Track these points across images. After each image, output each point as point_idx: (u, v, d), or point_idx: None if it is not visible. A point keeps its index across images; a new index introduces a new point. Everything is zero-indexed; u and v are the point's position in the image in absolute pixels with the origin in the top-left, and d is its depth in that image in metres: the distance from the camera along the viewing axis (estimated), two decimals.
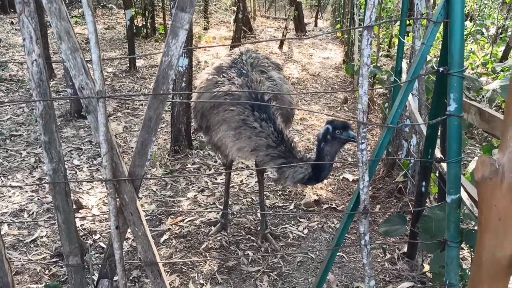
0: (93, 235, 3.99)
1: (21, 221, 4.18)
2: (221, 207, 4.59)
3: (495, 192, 1.52)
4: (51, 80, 8.61)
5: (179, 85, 5.56)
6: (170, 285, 3.36)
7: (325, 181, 5.22)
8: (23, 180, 4.95)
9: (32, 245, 3.84)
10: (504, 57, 8.06)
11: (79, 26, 13.54)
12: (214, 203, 4.67)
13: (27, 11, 2.03)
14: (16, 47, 11.08)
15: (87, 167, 5.34)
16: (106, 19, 16.12)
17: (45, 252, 3.75)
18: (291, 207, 4.64)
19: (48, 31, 9.16)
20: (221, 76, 3.54)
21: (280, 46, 13.73)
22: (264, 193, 4.88)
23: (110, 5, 17.34)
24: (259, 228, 4.11)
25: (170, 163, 5.50)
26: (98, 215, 4.31)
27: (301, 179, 3.23)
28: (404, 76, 4.45)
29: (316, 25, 21.37)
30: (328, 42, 16.05)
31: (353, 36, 9.53)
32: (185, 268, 3.61)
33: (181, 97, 5.68)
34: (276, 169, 3.36)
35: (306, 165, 3.18)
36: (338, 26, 14.61)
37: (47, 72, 2.15)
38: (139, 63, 10.41)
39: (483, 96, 6.07)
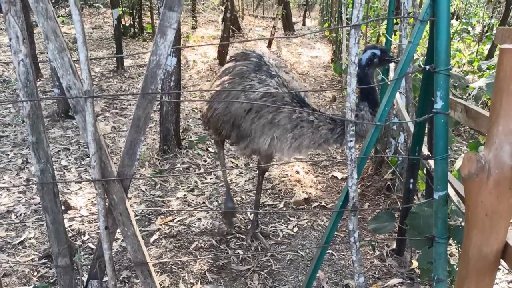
0: (82, 236, 3.96)
1: (9, 222, 4.14)
2: (211, 207, 4.59)
3: (482, 188, 1.55)
4: (38, 80, 8.52)
5: (167, 85, 5.54)
6: (160, 285, 3.35)
7: (315, 179, 5.24)
8: (10, 181, 4.89)
9: (20, 247, 3.80)
10: (490, 55, 8.15)
11: (66, 26, 13.42)
12: (203, 203, 4.67)
13: (13, 10, 2.01)
14: (2, 47, 10.95)
15: (75, 168, 5.30)
16: (93, 18, 16.00)
17: (33, 254, 3.71)
18: (281, 205, 4.65)
19: (35, 31, 9.06)
20: (249, 81, 3.36)
21: (269, 45, 13.74)
22: (254, 191, 4.90)
23: (97, 4, 17.21)
24: (249, 227, 4.12)
25: (159, 163, 5.49)
26: (87, 216, 4.28)
27: (371, 118, 2.99)
28: (391, 75, 4.49)
29: (304, 24, 21.43)
30: (316, 41, 16.10)
31: (341, 35, 9.57)
32: (175, 268, 3.60)
33: (169, 97, 5.66)
34: (355, 137, 3.16)
35: (363, 105, 3.00)
36: (326, 25, 14.66)
37: (34, 72, 2.13)
38: (127, 62, 10.35)
39: (469, 94, 6.13)
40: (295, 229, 4.20)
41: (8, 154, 5.56)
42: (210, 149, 5.99)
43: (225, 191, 4.90)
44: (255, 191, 4.88)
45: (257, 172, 4.73)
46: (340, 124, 3.11)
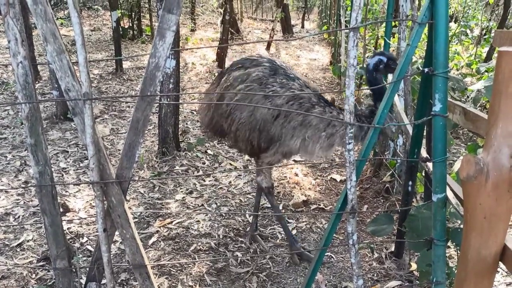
0: (81, 238, 3.96)
1: (7, 225, 4.13)
2: (210, 209, 4.58)
3: (480, 190, 1.55)
4: (37, 82, 8.52)
5: (166, 87, 5.54)
6: (159, 287, 3.34)
7: (313, 182, 5.24)
8: (9, 184, 4.89)
9: (18, 249, 3.79)
10: (488, 58, 8.17)
11: (65, 28, 13.44)
12: (202, 205, 4.66)
13: (12, 12, 2.01)
14: (0, 49, 10.95)
15: (73, 170, 5.30)
16: (92, 20, 16.01)
17: (31, 256, 3.70)
18: (280, 207, 4.65)
19: (33, 33, 9.06)
20: (270, 86, 3.31)
21: (267, 48, 13.76)
22: (252, 194, 4.90)
23: (96, 6, 17.24)
24: (247, 229, 4.12)
25: (158, 165, 5.48)
26: (85, 218, 4.27)
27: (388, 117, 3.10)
28: (390, 77, 4.49)
29: (303, 26, 21.45)
30: (315, 43, 16.12)
31: (340, 37, 9.59)
32: (173, 270, 3.59)
33: (168, 99, 5.66)
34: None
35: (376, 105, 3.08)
36: (325, 27, 14.69)
37: (32, 74, 2.14)
38: (126, 64, 10.35)
39: (468, 97, 6.14)
40: (294, 232, 4.19)
41: (7, 156, 5.55)
42: (208, 151, 5.99)
43: (224, 193, 4.90)
44: (254, 193, 4.89)
45: (255, 173, 4.73)
46: (366, 121, 3.10)
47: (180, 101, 7.33)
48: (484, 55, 8.48)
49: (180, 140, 6.05)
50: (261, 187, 3.77)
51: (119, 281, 3.41)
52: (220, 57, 10.68)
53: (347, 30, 1.99)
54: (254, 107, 3.31)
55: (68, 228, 4.07)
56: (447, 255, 3.23)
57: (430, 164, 2.84)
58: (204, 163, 5.65)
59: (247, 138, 3.41)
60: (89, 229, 4.11)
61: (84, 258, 3.64)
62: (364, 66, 6.64)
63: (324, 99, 3.30)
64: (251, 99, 3.35)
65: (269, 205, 4.68)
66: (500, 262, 1.65)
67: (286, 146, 3.32)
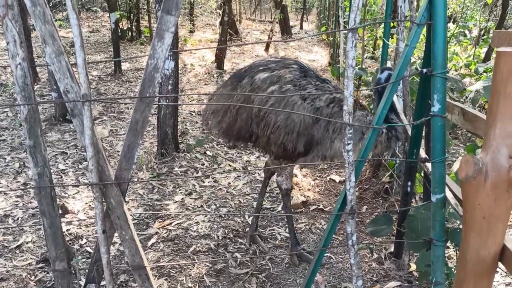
0: (80, 240, 3.95)
1: (6, 226, 4.12)
2: (209, 210, 4.58)
3: (479, 191, 1.55)
4: (36, 84, 8.51)
5: (165, 88, 5.54)
6: None
7: (312, 182, 5.24)
8: (8, 185, 4.88)
9: (17, 251, 3.79)
10: (487, 58, 8.19)
11: (64, 30, 13.43)
12: (201, 206, 4.66)
13: (10, 14, 2.01)
14: None
15: (72, 172, 5.29)
16: (91, 22, 16.00)
17: (30, 258, 3.70)
18: (279, 208, 4.65)
19: (32, 35, 9.06)
20: (306, 88, 3.25)
21: (266, 49, 13.77)
22: (252, 195, 4.90)
23: (95, 8, 17.24)
24: (247, 229, 4.11)
25: (157, 167, 5.48)
26: (85, 220, 4.27)
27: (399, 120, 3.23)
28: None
29: (301, 27, 21.45)
30: (313, 44, 16.13)
31: (338, 38, 9.59)
32: (173, 271, 3.59)
33: (167, 100, 5.66)
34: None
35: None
36: (324, 28, 14.70)
37: (31, 76, 2.13)
38: (125, 66, 10.35)
39: (466, 97, 6.15)
40: None
41: (6, 158, 5.55)
42: (207, 152, 5.99)
43: (223, 194, 4.90)
44: (253, 194, 4.89)
45: (255, 174, 4.74)
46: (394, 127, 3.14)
47: (179, 102, 7.33)
48: (483, 55, 8.50)
49: (179, 141, 6.04)
50: (280, 188, 3.71)
51: (118, 282, 3.41)
52: (219, 58, 10.69)
53: (346, 31, 1.99)
54: (290, 110, 3.19)
55: (67, 230, 4.06)
56: (446, 255, 3.23)
57: (429, 165, 2.84)
58: (203, 164, 5.65)
59: (281, 141, 3.28)
60: (88, 231, 4.10)
61: (83, 260, 3.64)
62: (362, 67, 6.64)
63: (359, 102, 3.29)
64: (287, 101, 3.23)
65: (269, 206, 4.68)
66: (499, 262, 1.66)
67: (328, 150, 3.24)
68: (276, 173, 3.72)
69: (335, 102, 3.21)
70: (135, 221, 4.30)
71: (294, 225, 4.32)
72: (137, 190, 4.93)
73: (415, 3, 4.12)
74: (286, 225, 4.32)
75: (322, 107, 3.19)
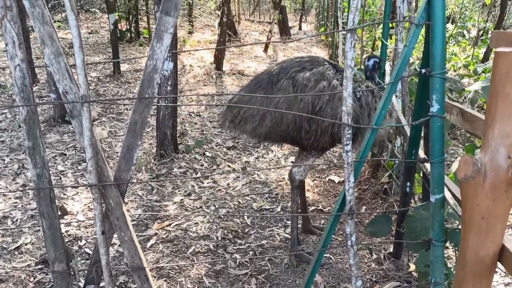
0: (79, 241, 3.95)
1: (5, 228, 4.12)
2: (208, 211, 4.58)
3: (478, 191, 1.55)
4: (34, 85, 8.51)
5: (164, 89, 5.54)
6: None
7: (312, 183, 5.24)
8: (7, 187, 4.88)
9: (16, 252, 3.78)
10: (485, 59, 8.20)
11: (62, 31, 13.43)
12: (201, 207, 4.66)
13: (9, 15, 2.01)
14: None
15: (71, 173, 5.29)
16: (90, 23, 16.00)
17: (30, 259, 3.70)
18: (278, 209, 4.65)
19: (31, 36, 9.05)
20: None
21: (265, 50, 13.77)
22: (251, 195, 4.90)
23: (94, 9, 17.24)
24: (246, 230, 4.10)
25: (156, 168, 5.48)
26: (84, 221, 4.27)
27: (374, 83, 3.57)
28: (387, 78, 4.50)
29: (300, 28, 21.46)
30: (312, 45, 16.14)
31: (337, 39, 9.60)
32: (172, 272, 3.59)
33: (166, 101, 5.66)
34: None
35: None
36: (322, 29, 14.71)
37: (30, 77, 2.13)
38: (124, 67, 10.35)
39: (465, 97, 6.16)
40: None
41: (4, 159, 5.54)
42: (207, 153, 5.99)
43: (222, 195, 4.90)
44: (252, 195, 4.89)
45: (254, 175, 4.74)
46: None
47: (178, 104, 7.33)
48: (481, 56, 8.51)
49: (178, 142, 6.04)
50: (293, 179, 3.70)
51: (117, 283, 3.40)
52: (218, 59, 10.68)
53: (344, 32, 2.00)
54: (336, 104, 3.37)
55: (66, 231, 4.06)
56: (446, 255, 3.23)
57: (428, 165, 2.85)
58: (202, 165, 5.65)
59: (336, 132, 3.40)
60: (87, 232, 4.10)
61: (83, 261, 3.63)
62: (362, 67, 6.65)
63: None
64: (338, 97, 3.39)
65: (268, 207, 4.68)
66: (498, 262, 1.66)
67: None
68: (293, 167, 3.74)
69: (368, 92, 3.47)
70: (134, 222, 4.29)
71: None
72: (136, 191, 4.92)
73: (413, 4, 4.13)
74: (286, 226, 4.32)
75: (362, 95, 3.45)
